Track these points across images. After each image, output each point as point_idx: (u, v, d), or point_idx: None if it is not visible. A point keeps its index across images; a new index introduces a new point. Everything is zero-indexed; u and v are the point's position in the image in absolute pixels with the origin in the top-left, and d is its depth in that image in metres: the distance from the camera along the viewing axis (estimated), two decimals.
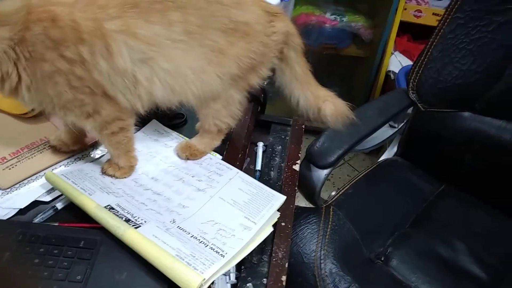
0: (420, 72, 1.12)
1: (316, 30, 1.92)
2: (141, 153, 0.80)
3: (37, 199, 0.69)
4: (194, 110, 0.78)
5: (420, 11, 1.79)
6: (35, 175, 0.73)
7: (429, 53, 1.10)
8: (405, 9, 1.77)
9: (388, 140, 1.28)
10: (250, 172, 0.85)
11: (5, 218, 0.66)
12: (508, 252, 1.03)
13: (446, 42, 1.08)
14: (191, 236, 0.63)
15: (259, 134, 0.97)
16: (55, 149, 0.77)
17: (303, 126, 0.97)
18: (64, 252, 0.60)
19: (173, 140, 0.84)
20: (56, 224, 0.66)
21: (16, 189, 0.70)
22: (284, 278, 0.64)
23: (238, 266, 0.66)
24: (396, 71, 1.83)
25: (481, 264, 1.00)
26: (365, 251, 0.99)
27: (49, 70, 0.59)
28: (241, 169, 0.79)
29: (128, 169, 0.75)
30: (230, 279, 0.66)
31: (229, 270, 0.66)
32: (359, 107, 1.13)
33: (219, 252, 0.60)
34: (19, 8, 0.56)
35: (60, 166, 0.76)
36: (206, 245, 0.62)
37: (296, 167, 0.85)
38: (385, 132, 1.24)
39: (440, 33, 1.08)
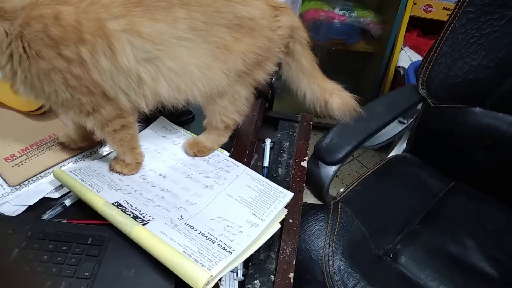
0: (430, 67, 1.11)
1: (325, 25, 1.91)
2: (148, 150, 0.80)
3: (46, 196, 0.70)
4: (201, 107, 0.78)
5: (430, 5, 1.76)
6: (44, 172, 0.73)
7: (439, 48, 1.09)
8: (415, 3, 1.75)
9: (398, 136, 1.27)
10: (258, 168, 0.85)
11: (14, 214, 0.67)
12: None
13: (456, 37, 1.06)
14: (199, 233, 0.63)
15: (267, 130, 0.96)
16: (63, 146, 0.78)
17: (311, 122, 0.96)
18: (72, 249, 0.61)
19: (181, 137, 0.84)
20: (65, 220, 0.66)
21: (25, 186, 0.71)
22: (291, 275, 0.64)
23: (246, 263, 0.66)
24: (406, 66, 1.81)
25: (492, 261, 0.99)
26: (373, 248, 0.99)
27: (45, 67, 0.59)
28: (248, 166, 0.79)
29: (135, 166, 0.75)
30: (237, 276, 0.66)
31: (236, 267, 0.66)
32: (369, 103, 1.12)
33: (226, 249, 0.60)
34: (25, 5, 0.56)
35: (69, 163, 0.76)
36: (213, 241, 0.62)
37: (304, 164, 0.84)
38: (394, 128, 1.23)
39: (450, 28, 1.07)
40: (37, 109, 0.82)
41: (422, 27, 1.94)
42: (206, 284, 0.55)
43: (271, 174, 0.83)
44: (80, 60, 0.59)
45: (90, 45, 0.59)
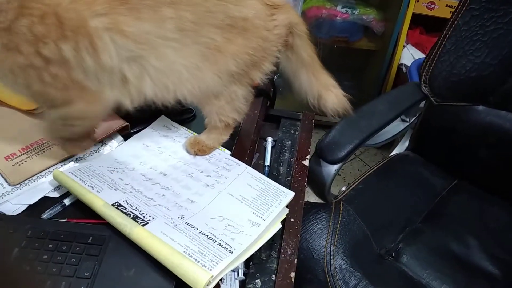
0: (433, 65, 1.10)
1: (327, 23, 1.90)
2: (149, 148, 0.80)
3: (46, 195, 0.69)
4: (198, 107, 0.77)
5: (433, 3, 1.75)
6: (44, 171, 0.73)
7: (442, 46, 1.08)
8: (418, 1, 1.74)
9: (400, 135, 1.27)
10: (259, 167, 0.85)
11: (14, 214, 0.66)
12: None
13: (460, 34, 1.05)
14: (199, 232, 0.63)
15: (268, 129, 0.96)
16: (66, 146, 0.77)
17: (313, 121, 0.96)
18: (72, 248, 0.60)
19: (182, 136, 0.84)
20: (65, 220, 0.66)
21: (26, 185, 0.70)
22: (293, 274, 0.64)
23: (247, 263, 0.66)
24: (408, 64, 1.80)
25: (494, 261, 0.98)
26: (375, 247, 0.98)
27: (23, 63, 0.57)
28: (250, 165, 0.79)
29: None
30: (238, 276, 0.66)
31: (237, 267, 0.65)
32: (371, 100, 1.11)
33: (227, 249, 0.60)
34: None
35: (69, 161, 0.76)
36: (214, 241, 0.61)
37: (306, 162, 0.84)
38: (396, 126, 1.23)
39: (453, 25, 1.06)
40: (37, 108, 0.82)
41: (425, 25, 1.93)
42: (207, 285, 0.55)
43: (272, 173, 0.83)
44: (60, 59, 0.58)
45: (72, 42, 0.57)
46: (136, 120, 0.82)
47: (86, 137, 0.76)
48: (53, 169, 0.73)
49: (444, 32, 1.07)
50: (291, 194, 0.71)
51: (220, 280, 0.58)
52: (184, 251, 0.58)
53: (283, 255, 0.66)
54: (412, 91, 1.15)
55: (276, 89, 1.03)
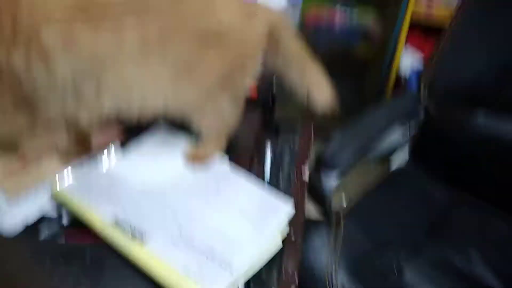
0: (431, 70, 1.10)
1: (326, 30, 1.91)
2: (147, 158, 0.79)
3: (44, 215, 0.68)
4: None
5: (431, 8, 1.75)
6: (42, 190, 0.72)
7: (441, 50, 1.08)
8: (416, 6, 1.74)
9: (400, 147, 1.26)
10: (259, 176, 0.83)
11: (11, 234, 0.65)
12: None
13: (458, 39, 1.05)
14: (199, 251, 0.62)
15: (268, 137, 0.95)
16: (61, 156, 0.76)
17: (313, 130, 0.95)
18: (70, 269, 0.60)
19: (181, 146, 0.83)
20: (63, 240, 0.65)
21: (23, 205, 0.69)
22: None
23: (247, 283, 0.65)
24: (408, 69, 1.80)
25: (497, 273, 0.97)
26: (378, 263, 0.97)
27: None
28: (249, 174, 0.78)
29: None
30: None
31: (237, 287, 0.64)
32: (370, 109, 1.11)
33: (227, 268, 0.59)
34: None
35: (67, 175, 0.74)
36: (214, 260, 0.60)
37: (306, 171, 0.83)
38: (396, 138, 1.22)
39: (452, 29, 1.05)
40: None
41: (424, 28, 1.93)
42: None
43: (272, 182, 0.82)
44: (8, 66, 0.56)
45: (24, 49, 0.55)
46: (134, 129, 0.81)
47: (80, 145, 0.75)
48: (51, 182, 0.72)
49: (443, 35, 1.07)
50: (291, 210, 0.70)
51: None
52: (183, 271, 0.58)
53: (284, 274, 0.65)
54: (410, 102, 1.15)
55: (275, 98, 1.02)
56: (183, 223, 0.67)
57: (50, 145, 0.73)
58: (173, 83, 0.65)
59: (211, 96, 0.70)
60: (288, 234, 0.69)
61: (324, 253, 0.93)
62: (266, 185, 0.82)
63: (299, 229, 0.71)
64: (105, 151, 0.79)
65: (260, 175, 0.86)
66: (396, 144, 1.21)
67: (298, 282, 0.64)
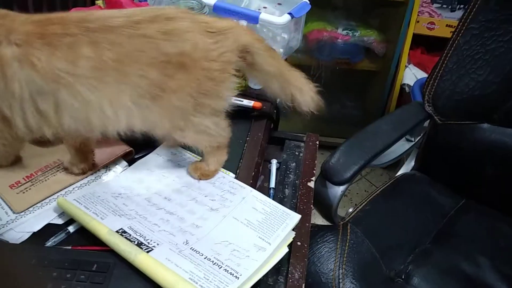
0: (435, 84, 1.10)
1: (329, 45, 1.92)
2: (154, 173, 0.79)
3: (50, 222, 0.69)
4: None
5: (433, 23, 1.77)
6: (48, 198, 0.73)
7: (444, 65, 1.09)
8: (418, 21, 1.76)
9: (405, 154, 1.26)
10: (264, 190, 0.84)
11: (18, 241, 0.66)
12: None
13: (461, 53, 1.06)
14: (205, 258, 0.62)
15: (273, 151, 0.95)
16: (67, 171, 0.77)
17: (317, 142, 0.95)
18: (77, 276, 0.60)
19: (186, 160, 0.83)
20: (69, 247, 0.65)
21: (30, 213, 0.70)
22: None
23: None
24: (411, 84, 1.81)
25: (507, 280, 0.96)
26: (384, 270, 0.96)
27: None
28: (254, 188, 0.78)
29: None
30: None
31: None
32: (375, 121, 1.11)
33: (233, 274, 0.59)
34: None
35: (74, 188, 0.75)
36: (220, 266, 0.60)
37: (311, 184, 0.83)
38: (402, 146, 1.22)
39: (454, 45, 1.07)
40: (42, 136, 0.82)
41: (426, 45, 1.94)
42: None
43: (277, 196, 0.82)
44: None
45: None
46: (140, 145, 0.82)
47: (83, 161, 0.76)
48: (58, 196, 0.73)
49: (445, 51, 1.08)
50: (297, 216, 0.70)
51: None
52: (189, 278, 0.58)
53: (290, 280, 0.65)
54: (416, 110, 1.15)
55: (279, 111, 1.03)
56: (189, 231, 0.68)
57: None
58: (137, 106, 0.65)
59: (184, 116, 0.69)
60: (295, 240, 0.69)
61: (330, 259, 0.92)
62: (271, 192, 0.83)
63: (305, 235, 0.71)
64: (111, 165, 0.80)
65: (265, 184, 0.86)
66: (402, 152, 1.21)
67: None
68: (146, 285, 0.59)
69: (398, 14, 1.78)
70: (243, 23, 0.98)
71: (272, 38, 1.13)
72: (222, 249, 0.64)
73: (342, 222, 1.02)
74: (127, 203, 0.72)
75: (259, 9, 1.15)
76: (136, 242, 0.63)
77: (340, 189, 0.99)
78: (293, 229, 0.69)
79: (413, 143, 1.24)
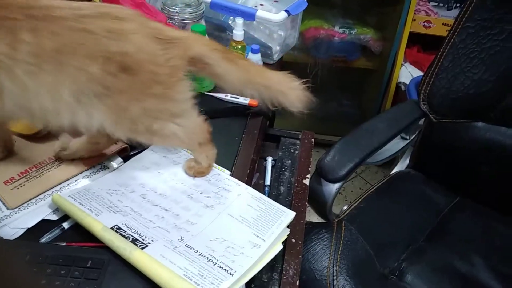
0: (431, 82, 1.11)
1: (325, 43, 1.92)
2: (149, 170, 0.79)
3: (45, 218, 0.69)
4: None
5: (429, 21, 1.77)
6: (43, 194, 0.73)
7: (439, 64, 1.09)
8: (414, 20, 1.76)
9: (400, 152, 1.26)
10: (259, 187, 0.84)
11: (12, 238, 0.66)
12: None
13: (457, 51, 1.06)
14: (199, 254, 0.62)
15: (268, 148, 0.96)
16: (63, 160, 0.77)
17: (313, 140, 0.96)
18: (71, 273, 0.60)
19: (182, 157, 0.83)
20: (63, 243, 0.65)
21: (24, 209, 0.70)
22: None
23: (248, 285, 0.65)
24: (407, 82, 1.81)
25: (500, 278, 0.97)
26: (378, 267, 0.97)
27: None
28: (250, 185, 0.78)
29: None
30: None
31: None
32: (370, 119, 1.12)
33: (228, 271, 0.59)
34: None
35: (69, 184, 0.75)
36: (214, 263, 0.60)
37: (306, 182, 0.83)
38: (397, 144, 1.22)
39: (450, 43, 1.07)
40: (38, 132, 0.82)
41: (422, 43, 1.95)
42: None
43: (273, 193, 0.83)
44: None
45: None
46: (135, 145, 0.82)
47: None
48: (52, 192, 0.73)
49: (441, 50, 1.08)
50: (292, 214, 0.71)
51: None
52: (184, 274, 0.58)
53: (284, 277, 0.65)
54: (411, 108, 1.16)
55: (275, 110, 1.03)
56: (183, 227, 0.68)
57: None
58: (79, 103, 0.64)
59: (138, 120, 0.69)
60: (289, 237, 0.69)
61: (324, 256, 0.93)
62: (267, 189, 0.83)
63: (300, 232, 0.71)
64: (106, 162, 0.80)
65: (261, 181, 0.86)
66: (397, 150, 1.22)
67: (299, 285, 0.64)
68: (141, 281, 0.59)
69: (395, 12, 1.78)
70: (239, 20, 0.98)
71: (269, 35, 1.13)
72: (217, 246, 0.64)
73: (336, 220, 1.03)
74: (122, 199, 0.72)
75: (256, 6, 1.15)
76: (130, 239, 0.63)
77: (335, 186, 0.99)
78: (287, 226, 0.69)
79: (408, 141, 1.24)
